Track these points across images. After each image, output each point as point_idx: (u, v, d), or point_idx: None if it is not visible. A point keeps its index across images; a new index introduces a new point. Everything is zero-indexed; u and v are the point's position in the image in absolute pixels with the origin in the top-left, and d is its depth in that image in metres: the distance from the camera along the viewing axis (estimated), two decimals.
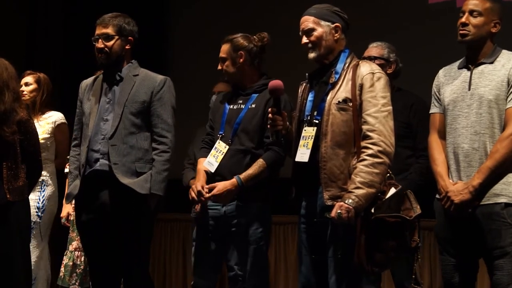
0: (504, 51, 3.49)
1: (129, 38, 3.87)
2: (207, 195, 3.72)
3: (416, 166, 4.19)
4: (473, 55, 3.50)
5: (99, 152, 3.78)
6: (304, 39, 3.38)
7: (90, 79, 4.01)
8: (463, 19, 3.47)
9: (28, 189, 3.79)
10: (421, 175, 4.06)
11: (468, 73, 3.50)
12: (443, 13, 5.02)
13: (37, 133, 3.84)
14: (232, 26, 4.14)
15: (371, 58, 4.27)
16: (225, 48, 3.91)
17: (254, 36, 3.95)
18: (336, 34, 3.38)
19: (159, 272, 6.45)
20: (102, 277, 3.87)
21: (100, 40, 3.83)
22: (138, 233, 3.77)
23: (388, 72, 4.32)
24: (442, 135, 3.57)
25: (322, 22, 3.37)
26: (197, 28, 6.54)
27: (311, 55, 3.39)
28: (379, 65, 4.21)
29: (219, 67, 3.94)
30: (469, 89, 3.46)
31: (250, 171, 3.72)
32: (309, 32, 3.37)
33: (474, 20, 3.46)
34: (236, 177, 3.70)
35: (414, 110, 4.24)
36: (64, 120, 4.56)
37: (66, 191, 4.77)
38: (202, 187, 3.74)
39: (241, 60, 3.88)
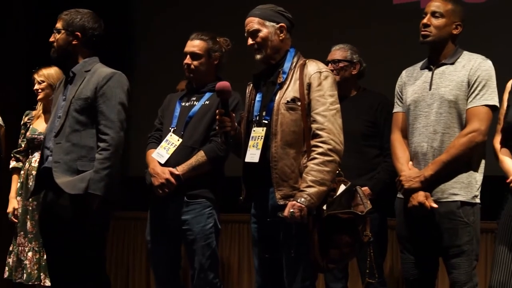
0: (465, 52, 3.55)
1: (76, 33, 3.79)
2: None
3: (383, 165, 4.22)
4: (435, 56, 3.56)
5: (49, 150, 3.75)
6: (250, 41, 3.40)
7: (63, 77, 4.00)
8: (425, 20, 3.53)
9: None
10: (389, 174, 4.07)
11: (430, 73, 3.55)
12: (408, 13, 5.06)
13: None
14: (197, 27, 4.15)
15: (335, 61, 4.33)
16: (201, 45, 3.97)
17: (220, 39, 4.04)
18: (282, 34, 3.40)
19: (122, 270, 6.43)
20: (59, 276, 3.82)
21: (53, 34, 3.83)
22: (82, 235, 3.65)
23: (353, 73, 4.38)
24: (405, 134, 3.62)
25: (267, 23, 3.39)
26: (162, 28, 6.56)
27: (258, 56, 3.41)
28: (343, 67, 4.32)
29: (188, 61, 3.96)
30: (430, 89, 3.51)
31: (188, 161, 3.83)
32: (254, 33, 3.39)
33: (436, 21, 3.51)
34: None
35: (380, 110, 4.27)
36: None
37: (13, 187, 4.92)
38: (171, 172, 3.81)
39: (216, 62, 4.00)
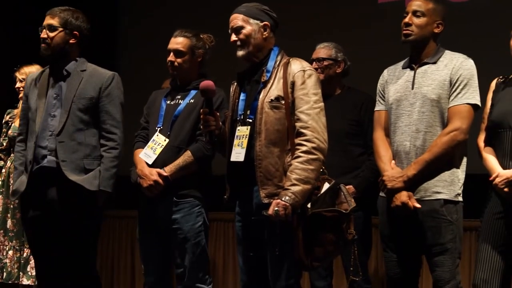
0: (447, 52, 3.57)
1: (74, 32, 3.84)
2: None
3: (368, 164, 4.24)
4: (417, 55, 3.57)
5: (46, 149, 3.77)
6: (233, 37, 3.40)
7: (36, 73, 3.99)
8: (407, 19, 3.54)
9: None
10: (373, 172, 4.06)
11: (412, 72, 3.56)
12: (392, 12, 5.09)
13: None
14: (181, 25, 4.14)
15: (320, 60, 4.34)
16: (184, 42, 3.96)
17: (204, 36, 4.04)
18: (265, 33, 3.40)
19: (107, 269, 6.43)
20: (47, 274, 3.87)
21: (44, 30, 3.82)
22: (86, 230, 3.79)
23: (337, 71, 4.39)
24: (387, 133, 3.63)
25: (251, 20, 3.38)
26: (147, 27, 6.55)
27: (240, 53, 3.40)
28: (327, 65, 4.33)
29: (171, 59, 3.95)
30: (412, 88, 3.53)
31: (176, 161, 3.84)
32: (238, 30, 3.38)
33: (417, 20, 3.52)
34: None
35: (365, 108, 4.29)
36: None
37: None
38: (159, 174, 3.82)
39: (199, 59, 3.99)
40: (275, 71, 3.36)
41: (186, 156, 3.86)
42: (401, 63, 3.67)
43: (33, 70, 4.90)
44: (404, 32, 3.54)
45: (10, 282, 4.88)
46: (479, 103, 3.48)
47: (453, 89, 3.45)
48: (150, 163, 3.89)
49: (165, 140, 3.90)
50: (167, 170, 3.84)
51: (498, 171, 3.41)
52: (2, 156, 5.05)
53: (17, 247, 4.84)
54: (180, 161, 3.85)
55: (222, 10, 3.75)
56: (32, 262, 4.70)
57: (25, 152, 3.88)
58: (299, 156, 3.21)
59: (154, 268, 3.95)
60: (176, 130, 3.90)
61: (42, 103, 3.83)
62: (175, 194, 3.86)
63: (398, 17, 3.65)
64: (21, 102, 5.03)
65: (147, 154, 3.91)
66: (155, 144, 3.91)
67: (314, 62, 4.32)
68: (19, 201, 3.95)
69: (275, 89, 3.31)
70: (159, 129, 3.94)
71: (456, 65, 3.47)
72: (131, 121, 4.21)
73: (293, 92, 3.28)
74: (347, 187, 3.41)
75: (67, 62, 3.86)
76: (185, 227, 3.85)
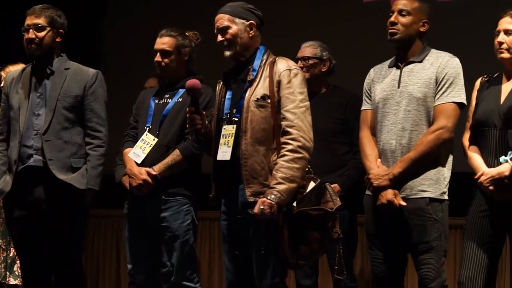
0: (433, 50, 3.58)
1: (60, 30, 3.86)
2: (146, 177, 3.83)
3: (353, 162, 4.25)
4: (403, 53, 3.58)
5: (32, 148, 3.77)
6: (220, 37, 3.39)
7: (16, 72, 3.98)
8: (392, 18, 3.55)
9: None
10: (358, 171, 4.09)
11: (398, 71, 3.57)
12: (378, 11, 5.10)
13: None
14: (167, 24, 4.13)
15: (305, 59, 4.35)
16: (170, 42, 3.95)
17: (190, 34, 4.03)
18: (251, 32, 3.39)
19: (92, 268, 6.41)
20: (33, 273, 3.88)
21: (31, 31, 3.79)
22: (74, 229, 3.80)
23: (322, 70, 4.40)
24: (374, 132, 3.64)
25: (237, 20, 3.37)
26: (131, 25, 6.53)
27: (227, 53, 3.39)
28: (313, 64, 4.34)
29: (158, 59, 3.95)
30: (399, 87, 3.53)
31: (164, 160, 3.85)
32: (224, 30, 3.37)
33: (403, 19, 3.53)
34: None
35: (350, 107, 4.30)
36: None
37: None
38: (148, 173, 3.82)
39: (186, 57, 3.99)
40: (261, 70, 3.35)
41: (175, 155, 3.86)
42: (387, 62, 3.68)
43: (19, 69, 4.86)
44: (390, 31, 3.55)
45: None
46: (465, 101, 3.49)
47: (439, 88, 3.46)
48: (139, 162, 3.90)
49: (154, 140, 3.90)
50: (156, 169, 3.84)
51: (483, 170, 3.43)
52: None
53: (3, 247, 4.82)
54: (169, 159, 3.85)
55: (210, 7, 3.73)
56: (18, 261, 4.67)
57: (6, 152, 3.87)
58: (284, 155, 3.21)
59: (144, 267, 3.95)
60: (164, 129, 3.91)
61: (26, 102, 3.82)
62: (164, 193, 3.86)
63: (384, 16, 3.65)
64: None
65: (136, 153, 3.92)
66: (144, 143, 3.92)
67: (300, 61, 4.33)
68: (4, 201, 3.93)
69: (261, 88, 3.31)
70: (148, 128, 3.94)
71: (442, 63, 3.48)
72: (117, 120, 4.21)
73: (279, 91, 3.28)
74: (332, 186, 3.41)
75: (51, 60, 3.86)
76: (173, 225, 3.85)
